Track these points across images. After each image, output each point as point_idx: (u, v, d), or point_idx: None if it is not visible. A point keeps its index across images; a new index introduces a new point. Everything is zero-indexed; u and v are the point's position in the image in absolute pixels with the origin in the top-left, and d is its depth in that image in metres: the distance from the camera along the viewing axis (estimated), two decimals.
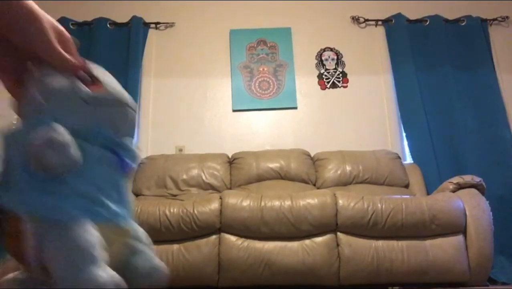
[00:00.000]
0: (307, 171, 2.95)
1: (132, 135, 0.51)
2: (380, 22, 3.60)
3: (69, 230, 0.38)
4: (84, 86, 0.45)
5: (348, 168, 2.91)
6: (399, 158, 3.06)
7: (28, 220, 0.39)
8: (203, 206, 2.17)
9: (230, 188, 2.87)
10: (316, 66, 3.53)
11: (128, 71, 3.27)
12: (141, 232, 0.48)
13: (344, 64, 3.53)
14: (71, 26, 3.41)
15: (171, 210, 2.14)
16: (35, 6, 0.44)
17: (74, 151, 0.41)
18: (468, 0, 3.65)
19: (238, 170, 2.95)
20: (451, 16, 3.57)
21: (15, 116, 0.45)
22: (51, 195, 0.39)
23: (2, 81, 0.47)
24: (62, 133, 0.40)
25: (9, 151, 0.43)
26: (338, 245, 2.15)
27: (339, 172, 2.90)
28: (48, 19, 0.45)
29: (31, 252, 0.38)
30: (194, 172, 2.89)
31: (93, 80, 0.47)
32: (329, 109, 3.42)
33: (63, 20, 3.39)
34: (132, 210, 0.48)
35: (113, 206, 0.43)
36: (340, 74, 3.51)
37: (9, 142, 0.43)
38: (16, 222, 0.39)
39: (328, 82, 3.48)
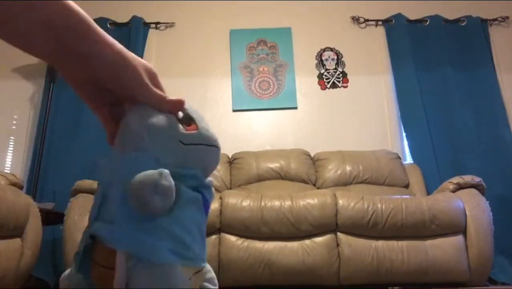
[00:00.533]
0: (307, 171, 2.95)
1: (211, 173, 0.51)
2: (380, 22, 3.60)
3: (165, 272, 0.39)
4: (180, 126, 0.45)
5: (348, 168, 2.91)
6: (399, 158, 3.06)
7: (123, 256, 0.39)
8: None
9: (230, 188, 2.87)
10: (316, 66, 3.53)
11: None
12: (213, 274, 0.50)
13: (344, 64, 3.53)
14: None
15: None
16: (125, 49, 0.43)
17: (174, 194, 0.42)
18: (468, 0, 3.65)
19: (238, 170, 2.95)
20: (451, 16, 3.57)
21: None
22: (150, 235, 0.40)
23: (96, 114, 0.47)
24: (169, 179, 0.40)
25: (107, 183, 0.43)
26: (338, 245, 2.15)
27: (339, 172, 2.90)
28: (137, 59, 0.44)
29: (120, 284, 0.39)
30: None
31: (188, 120, 0.46)
32: (329, 109, 3.42)
33: None
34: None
35: (197, 250, 0.44)
36: (340, 74, 3.51)
37: (108, 175, 0.43)
38: (107, 253, 0.40)
39: (328, 82, 3.48)
